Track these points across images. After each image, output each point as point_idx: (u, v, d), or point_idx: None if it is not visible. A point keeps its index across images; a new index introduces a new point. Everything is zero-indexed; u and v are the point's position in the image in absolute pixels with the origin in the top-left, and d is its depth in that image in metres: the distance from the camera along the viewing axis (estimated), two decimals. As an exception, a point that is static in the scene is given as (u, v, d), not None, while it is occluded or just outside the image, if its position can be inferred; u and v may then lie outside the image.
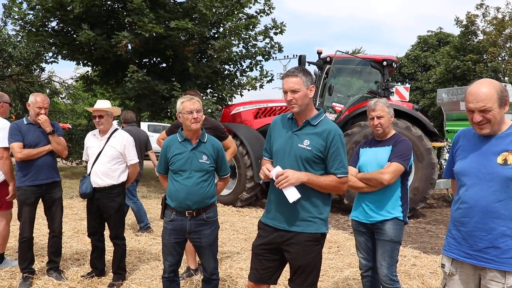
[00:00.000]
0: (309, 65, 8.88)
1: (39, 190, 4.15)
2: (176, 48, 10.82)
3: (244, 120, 9.57)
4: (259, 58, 12.48)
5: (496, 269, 2.16)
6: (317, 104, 8.75)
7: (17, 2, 10.84)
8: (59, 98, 21.42)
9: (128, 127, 6.51)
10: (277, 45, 12.45)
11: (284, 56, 33.32)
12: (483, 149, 2.26)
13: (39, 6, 10.45)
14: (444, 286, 2.41)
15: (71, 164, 15.00)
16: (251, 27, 11.84)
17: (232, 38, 11.25)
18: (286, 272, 2.86)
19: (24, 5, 10.89)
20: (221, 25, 11.96)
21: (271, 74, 12.53)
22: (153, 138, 18.16)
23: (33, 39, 11.61)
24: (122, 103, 13.46)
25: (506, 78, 20.87)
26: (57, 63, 37.16)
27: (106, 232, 4.30)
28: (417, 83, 26.73)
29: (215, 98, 12.11)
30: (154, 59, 12.30)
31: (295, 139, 2.65)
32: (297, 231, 2.62)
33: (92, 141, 4.24)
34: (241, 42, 12.06)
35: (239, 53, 12.21)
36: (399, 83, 25.03)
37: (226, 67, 12.56)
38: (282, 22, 12.15)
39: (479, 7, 21.59)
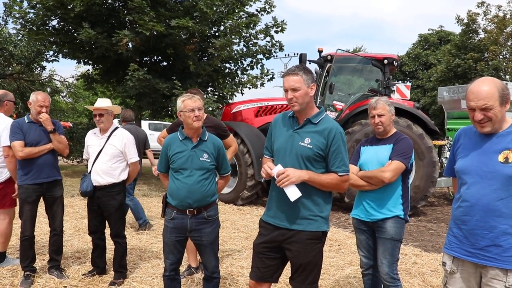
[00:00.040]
0: (310, 63, 8.88)
1: (40, 188, 4.15)
2: (177, 47, 10.81)
3: (245, 118, 9.57)
4: (260, 56, 12.47)
5: (497, 267, 2.16)
6: (318, 102, 8.75)
7: (18, 0, 10.83)
8: (60, 96, 21.46)
9: (127, 125, 6.51)
10: (278, 44, 12.44)
11: (285, 55, 33.31)
12: (484, 147, 2.26)
13: (40, 5, 10.44)
14: (445, 284, 2.41)
15: (72, 162, 15.02)
16: (251, 25, 11.81)
17: (233, 37, 11.24)
18: (287, 271, 2.86)
19: (25, 4, 10.90)
20: (222, 23, 11.95)
21: (272, 72, 12.52)
22: (154, 136, 18.14)
23: (34, 38, 11.60)
24: (123, 102, 13.47)
25: (507, 76, 20.86)
26: (58, 61, 37.19)
27: (107, 231, 4.31)
28: (418, 81, 26.74)
29: (216, 97, 12.11)
30: (155, 58, 12.30)
31: (296, 138, 2.65)
32: (298, 229, 2.62)
33: (92, 140, 4.24)
34: (242, 40, 12.04)
35: (240, 52, 12.19)
36: (400, 81, 24.99)
37: (227, 65, 12.54)
38: (283, 20, 12.15)
39: (480, 5, 21.58)
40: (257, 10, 12.24)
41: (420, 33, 29.44)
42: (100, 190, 4.11)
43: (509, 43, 21.31)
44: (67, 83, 20.07)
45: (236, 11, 11.74)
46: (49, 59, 14.47)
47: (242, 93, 12.90)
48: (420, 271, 4.78)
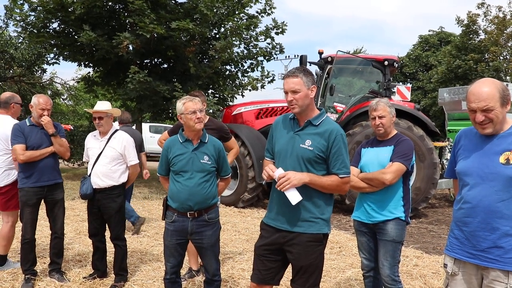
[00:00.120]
0: (310, 65, 8.88)
1: (41, 191, 4.15)
2: (177, 49, 10.82)
3: (245, 120, 9.57)
4: (260, 58, 12.48)
5: (499, 269, 2.15)
6: (318, 104, 8.74)
7: (19, 3, 10.86)
8: (61, 99, 21.46)
9: (123, 127, 6.48)
10: (278, 46, 12.45)
11: (286, 57, 33.30)
12: (485, 148, 2.25)
13: (41, 8, 10.47)
14: (447, 286, 2.40)
15: (73, 165, 15.03)
16: (252, 27, 11.83)
17: (233, 39, 11.25)
18: (288, 273, 2.86)
19: (26, 7, 10.91)
20: (222, 25, 11.97)
21: (272, 74, 12.53)
22: (154, 139, 18.15)
23: (34, 41, 11.63)
24: (123, 104, 13.48)
25: (508, 77, 20.85)
26: (59, 64, 37.29)
27: (108, 233, 4.31)
28: (418, 82, 26.71)
29: (216, 99, 12.12)
30: (155, 60, 12.31)
31: (296, 140, 2.64)
32: (299, 232, 2.62)
33: (92, 142, 4.24)
34: (242, 42, 12.05)
35: (240, 54, 12.21)
36: (401, 83, 24.99)
37: (227, 67, 12.56)
38: (283, 21, 12.15)
39: (480, 6, 21.58)
40: (257, 12, 12.25)
41: (420, 34, 29.44)
42: (100, 192, 4.11)
43: (509, 44, 21.30)
44: (68, 85, 20.08)
45: (237, 12, 11.75)
46: (49, 62, 14.52)
47: (243, 95, 12.92)
48: (421, 273, 4.77)
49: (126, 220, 4.97)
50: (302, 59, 8.30)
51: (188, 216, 3.21)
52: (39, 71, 18.52)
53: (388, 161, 3.24)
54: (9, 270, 4.49)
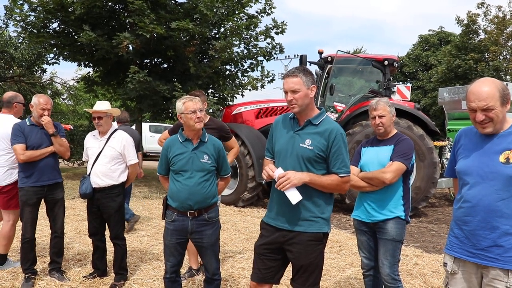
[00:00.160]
0: (310, 65, 8.88)
1: (41, 191, 4.15)
2: (177, 49, 10.82)
3: (245, 120, 9.58)
4: (260, 58, 12.47)
5: (499, 268, 2.15)
6: (318, 103, 8.75)
7: (19, 3, 10.85)
8: (61, 99, 21.46)
9: (121, 126, 6.48)
10: (278, 46, 12.45)
11: (285, 56, 33.21)
12: (485, 148, 2.26)
13: (40, 8, 10.46)
14: (446, 285, 2.41)
15: (73, 165, 15.04)
16: (252, 27, 11.82)
17: (233, 39, 11.25)
18: (288, 272, 2.86)
19: (26, 7, 10.90)
20: (222, 25, 11.95)
21: (272, 74, 12.52)
22: (154, 139, 18.13)
23: (34, 41, 11.62)
24: (123, 104, 13.47)
25: (507, 77, 20.85)
26: (59, 64, 37.30)
27: (107, 233, 4.31)
28: (418, 82, 26.71)
29: (216, 99, 12.11)
30: (155, 60, 12.30)
31: (296, 139, 2.65)
32: (299, 231, 2.62)
33: (91, 142, 4.25)
34: (242, 42, 12.05)
35: (240, 54, 12.20)
36: (401, 82, 25.00)
37: (227, 67, 12.55)
38: (283, 21, 12.14)
39: (480, 6, 21.57)
40: (257, 12, 12.25)
41: (420, 34, 29.44)
42: (99, 192, 4.11)
43: (509, 44, 21.30)
44: (67, 85, 20.07)
45: (236, 12, 11.74)
46: (49, 62, 14.52)
47: (243, 95, 12.92)
48: (421, 272, 4.78)
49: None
50: (302, 59, 8.30)
51: (188, 215, 3.21)
52: (39, 71, 18.52)
53: (388, 160, 3.25)
54: (9, 269, 4.50)
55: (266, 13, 12.24)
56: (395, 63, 8.91)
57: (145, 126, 18.57)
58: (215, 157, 3.30)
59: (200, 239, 3.27)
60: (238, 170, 8.62)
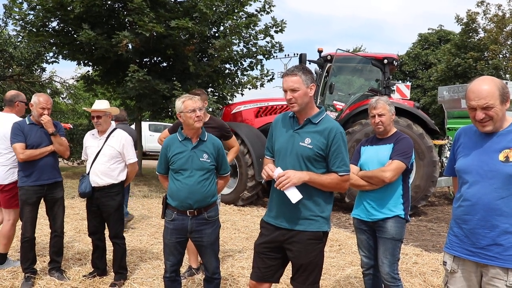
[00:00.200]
0: (309, 63, 8.88)
1: (41, 190, 4.15)
2: (177, 48, 10.82)
3: (245, 119, 9.58)
4: (260, 57, 12.47)
5: (498, 266, 2.15)
6: (318, 102, 8.75)
7: (18, 2, 10.84)
8: (60, 98, 21.45)
9: (119, 125, 6.46)
10: (278, 45, 12.44)
11: (285, 55, 33.18)
12: (485, 146, 2.26)
13: (40, 6, 10.45)
14: (446, 283, 2.41)
15: (72, 164, 15.04)
16: (251, 25, 11.82)
17: (233, 37, 11.24)
18: (288, 271, 2.86)
19: (25, 6, 10.89)
20: (222, 24, 11.95)
21: (272, 72, 12.53)
22: (154, 137, 18.11)
23: (33, 39, 11.61)
24: (123, 103, 13.47)
25: (507, 75, 20.86)
26: (58, 63, 37.28)
27: (107, 232, 4.31)
28: (418, 81, 26.74)
29: (216, 97, 12.11)
30: (155, 59, 12.30)
31: (296, 138, 2.64)
32: (299, 230, 2.62)
33: (91, 141, 4.24)
34: (241, 41, 12.04)
35: (240, 52, 12.20)
36: (400, 81, 24.99)
37: (227, 66, 12.54)
38: (283, 20, 12.14)
39: (479, 4, 21.60)
40: (256, 10, 12.25)
41: (420, 33, 29.46)
42: (98, 191, 4.11)
43: (509, 42, 21.32)
44: (67, 84, 20.07)
45: (236, 11, 11.74)
46: (49, 61, 14.47)
47: (242, 94, 12.93)
48: (421, 271, 4.78)
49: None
50: (302, 58, 8.30)
51: (188, 214, 3.21)
52: (38, 70, 18.53)
53: (388, 159, 3.24)
54: (9, 269, 4.50)
55: (266, 12, 12.24)
56: (394, 61, 8.91)
57: (145, 125, 18.56)
58: (215, 156, 3.30)
59: (199, 238, 3.26)
60: (237, 169, 8.62)
